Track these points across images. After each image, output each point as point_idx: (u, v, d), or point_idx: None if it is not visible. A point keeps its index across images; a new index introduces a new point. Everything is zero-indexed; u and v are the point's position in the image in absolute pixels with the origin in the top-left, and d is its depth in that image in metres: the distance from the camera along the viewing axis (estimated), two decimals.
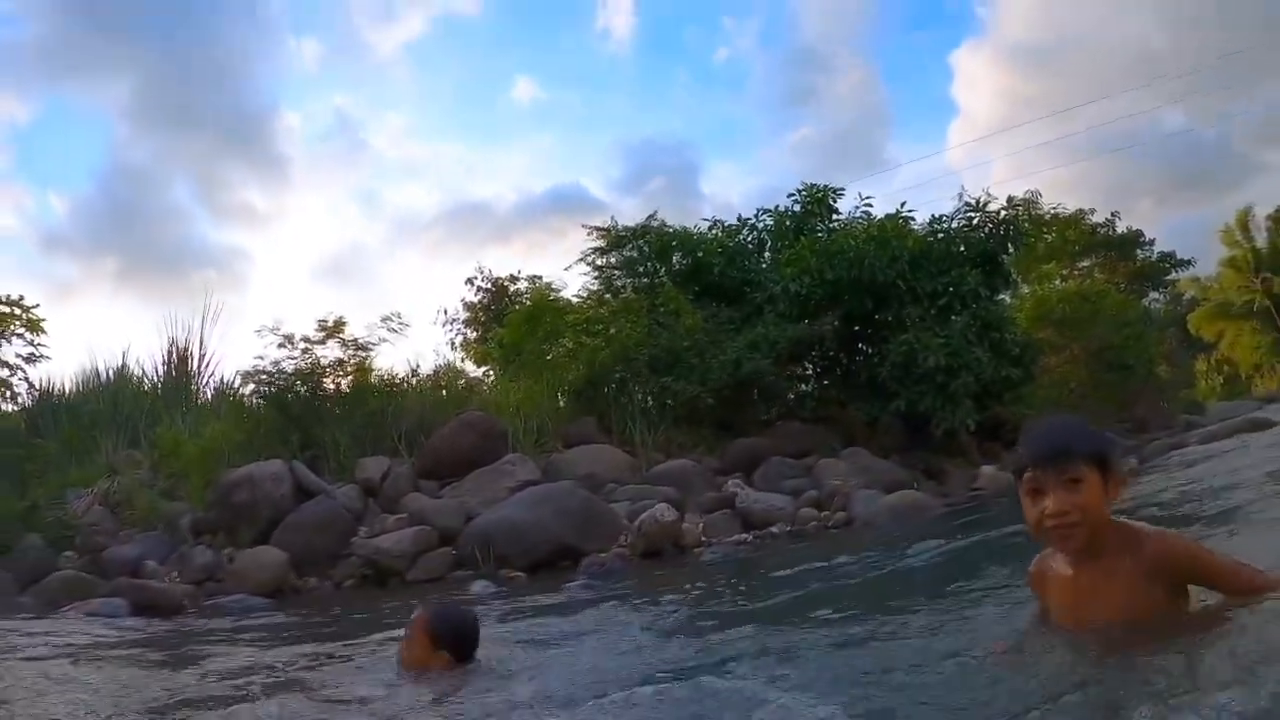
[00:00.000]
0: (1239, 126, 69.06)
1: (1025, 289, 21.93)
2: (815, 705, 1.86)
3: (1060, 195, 64.93)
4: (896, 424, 14.10)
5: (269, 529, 10.05)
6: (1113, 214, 27.02)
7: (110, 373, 14.79)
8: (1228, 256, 43.81)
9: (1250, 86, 63.62)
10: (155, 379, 14.95)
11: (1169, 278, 29.37)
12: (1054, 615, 2.51)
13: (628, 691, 2.53)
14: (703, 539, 10.38)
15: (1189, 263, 28.95)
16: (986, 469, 13.25)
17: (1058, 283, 23.62)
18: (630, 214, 77.37)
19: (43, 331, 12.82)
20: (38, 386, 13.97)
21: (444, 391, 14.87)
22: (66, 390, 14.48)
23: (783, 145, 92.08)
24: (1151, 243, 27.54)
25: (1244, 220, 43.97)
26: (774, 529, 10.67)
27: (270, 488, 10.33)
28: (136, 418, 13.07)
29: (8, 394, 13.49)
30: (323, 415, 12.52)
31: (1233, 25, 67.09)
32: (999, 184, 44.41)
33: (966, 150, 79.32)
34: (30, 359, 13.11)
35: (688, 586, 6.75)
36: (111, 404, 13.63)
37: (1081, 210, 26.20)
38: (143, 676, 4.01)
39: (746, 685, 2.20)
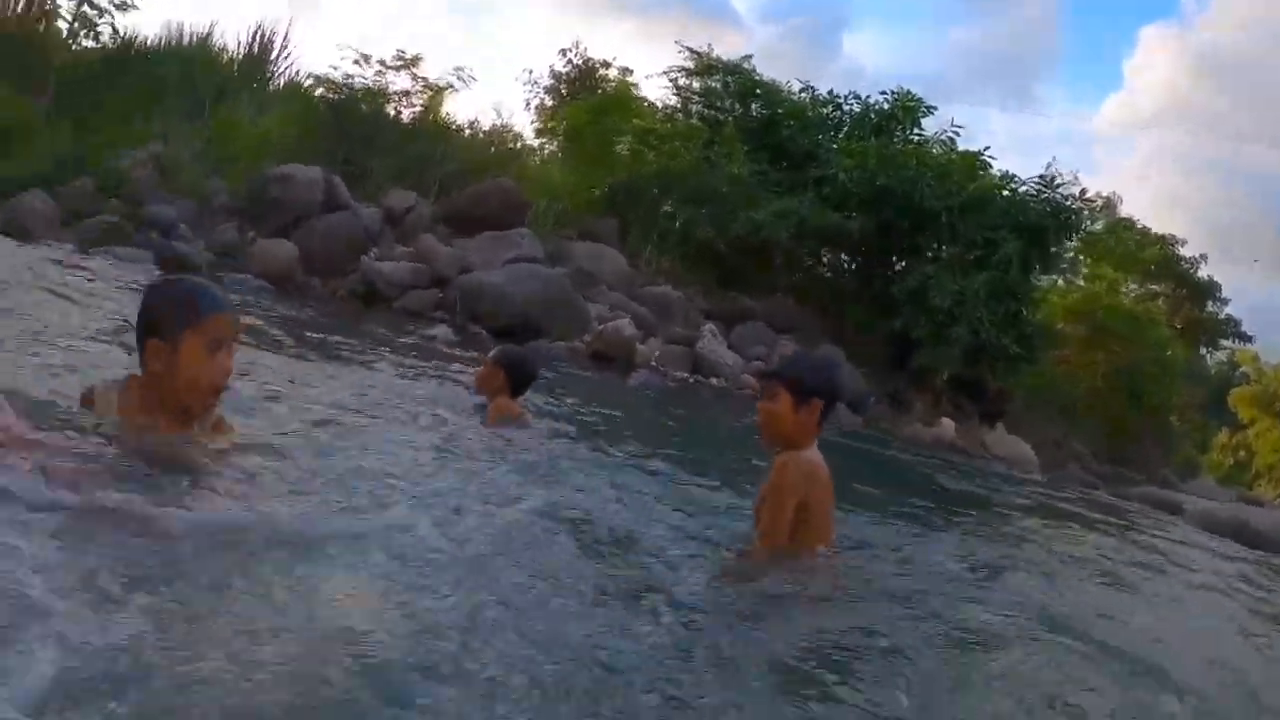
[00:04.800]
0: None
1: (1081, 281, 21.56)
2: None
3: (1177, 216, 61.85)
4: (887, 342, 14.31)
5: (291, 226, 10.82)
6: (1201, 255, 26.10)
7: (193, 38, 14.65)
8: None
9: None
10: (235, 55, 14.89)
11: (1224, 341, 28.52)
12: None
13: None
14: (653, 363, 10.99)
15: (1249, 338, 28.04)
16: (946, 422, 13.44)
17: (1123, 290, 22.95)
18: (764, 41, 73.83)
19: None
20: (121, 33, 14.07)
21: (492, 149, 15.20)
22: (147, 44, 14.26)
23: (939, 38, 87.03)
24: (1226, 301, 26.67)
25: None
26: (714, 380, 11.23)
27: (304, 190, 11.06)
28: (207, 90, 13.16)
29: (91, 34, 13.84)
30: (374, 138, 13.02)
31: None
32: (1131, 175, 42.36)
33: (1114, 127, 74.95)
34: (119, 5, 13.53)
35: (578, 396, 6.73)
36: (187, 70, 13.50)
37: (1173, 236, 25.30)
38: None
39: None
